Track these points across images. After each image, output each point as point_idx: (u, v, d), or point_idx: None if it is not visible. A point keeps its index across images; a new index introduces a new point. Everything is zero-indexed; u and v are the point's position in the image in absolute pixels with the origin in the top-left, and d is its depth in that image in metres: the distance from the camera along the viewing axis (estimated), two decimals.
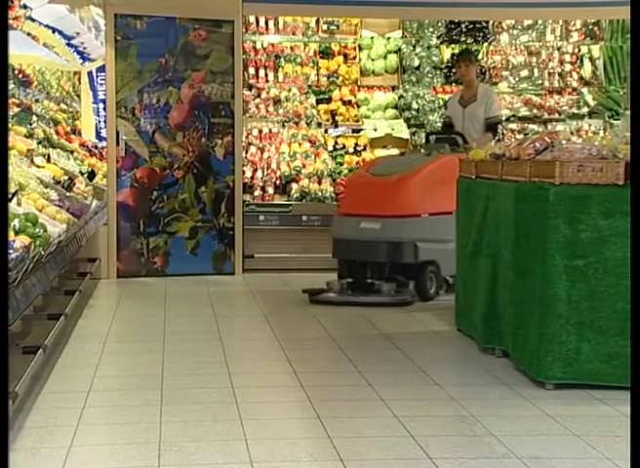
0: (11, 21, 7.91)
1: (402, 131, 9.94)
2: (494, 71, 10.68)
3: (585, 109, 10.39)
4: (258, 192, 9.08)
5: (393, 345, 5.72)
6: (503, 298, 5.19)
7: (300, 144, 9.66)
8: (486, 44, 10.69)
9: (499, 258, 5.26)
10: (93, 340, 5.81)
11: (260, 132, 9.77)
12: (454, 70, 10.52)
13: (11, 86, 9.27)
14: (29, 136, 8.33)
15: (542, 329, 4.62)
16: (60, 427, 4.00)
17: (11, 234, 4.53)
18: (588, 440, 3.84)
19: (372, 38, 10.53)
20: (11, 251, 4.18)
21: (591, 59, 10.75)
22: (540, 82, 10.71)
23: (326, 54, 10.49)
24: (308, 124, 9.93)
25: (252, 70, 10.26)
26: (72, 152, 9.34)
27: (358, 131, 9.94)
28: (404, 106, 10.26)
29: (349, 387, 4.74)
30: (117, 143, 8.42)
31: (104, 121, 9.65)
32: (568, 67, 10.78)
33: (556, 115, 10.32)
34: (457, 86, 10.51)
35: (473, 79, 8.05)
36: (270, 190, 9.13)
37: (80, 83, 12.86)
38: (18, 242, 4.44)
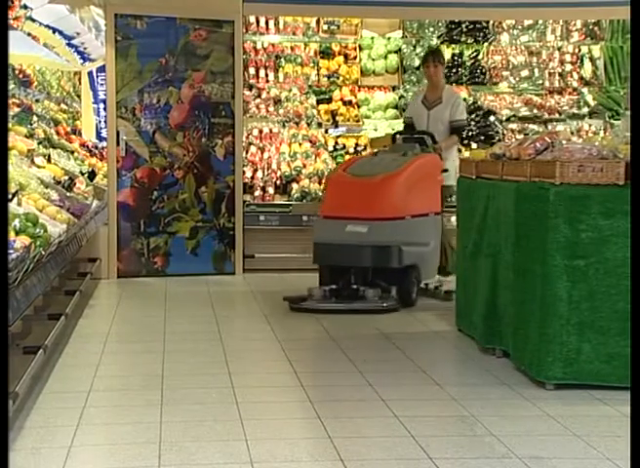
0: (11, 22, 7.91)
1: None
2: (494, 71, 10.67)
3: (586, 109, 10.39)
4: (258, 192, 9.08)
5: (393, 345, 5.72)
6: (504, 298, 5.19)
7: (300, 144, 9.66)
8: (486, 44, 10.68)
9: (499, 258, 5.26)
10: (93, 340, 5.81)
11: (261, 132, 9.77)
12: (454, 70, 10.55)
13: (11, 86, 9.28)
14: (30, 136, 8.34)
15: (543, 329, 4.62)
16: (60, 427, 4.00)
17: (11, 234, 4.53)
18: (589, 440, 3.84)
19: (372, 38, 10.53)
20: (11, 251, 4.18)
21: (592, 60, 10.75)
22: (540, 82, 10.70)
23: (326, 54, 10.49)
24: (309, 124, 9.93)
25: (252, 70, 10.25)
26: (73, 152, 9.35)
27: (358, 131, 9.93)
28: (404, 106, 10.24)
29: (350, 387, 4.74)
30: (117, 143, 8.42)
31: (105, 121, 9.66)
32: (568, 67, 10.78)
33: (556, 115, 10.31)
34: (457, 86, 10.52)
35: (440, 80, 7.78)
36: (271, 190, 9.13)
37: (80, 83, 12.87)
38: (18, 242, 4.44)
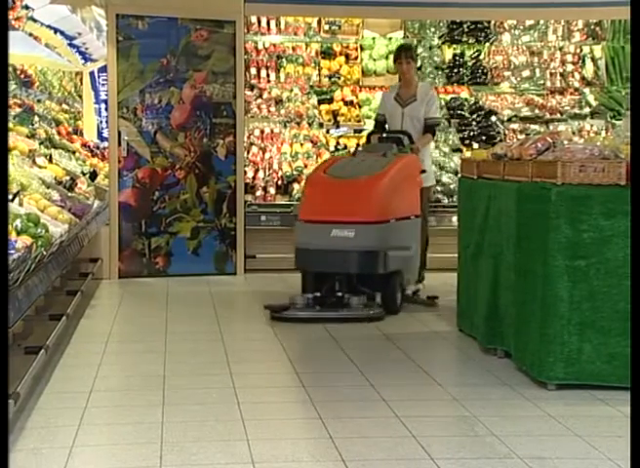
0: (13, 22, 7.92)
1: None
2: (495, 71, 10.67)
3: (587, 109, 10.39)
4: (259, 192, 9.08)
5: (394, 345, 5.72)
6: (505, 299, 5.19)
7: (301, 145, 9.66)
8: (488, 44, 10.68)
9: (500, 259, 5.26)
10: (94, 341, 5.81)
11: (262, 132, 9.77)
12: (455, 70, 10.55)
13: (13, 86, 9.29)
14: (31, 136, 8.34)
15: (544, 329, 4.62)
16: (61, 427, 4.00)
17: (13, 234, 4.53)
18: (590, 440, 3.84)
19: (373, 38, 10.53)
20: (13, 251, 4.18)
21: (593, 60, 10.75)
22: (541, 82, 10.70)
23: (327, 54, 10.49)
24: (310, 124, 9.93)
25: (253, 70, 10.25)
26: (74, 152, 9.35)
27: (360, 131, 9.92)
28: None
29: (351, 387, 4.74)
30: (119, 144, 8.42)
31: (106, 121, 9.67)
32: (570, 68, 10.77)
33: (558, 115, 10.31)
34: (459, 86, 10.52)
35: (413, 77, 7.55)
36: (272, 190, 9.13)
37: (82, 83, 12.87)
38: (19, 242, 4.44)
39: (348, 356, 5.38)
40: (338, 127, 9.97)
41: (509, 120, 10.17)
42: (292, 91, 10.17)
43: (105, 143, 9.91)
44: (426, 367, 5.13)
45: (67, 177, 7.45)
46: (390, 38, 10.53)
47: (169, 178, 8.55)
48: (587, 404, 4.41)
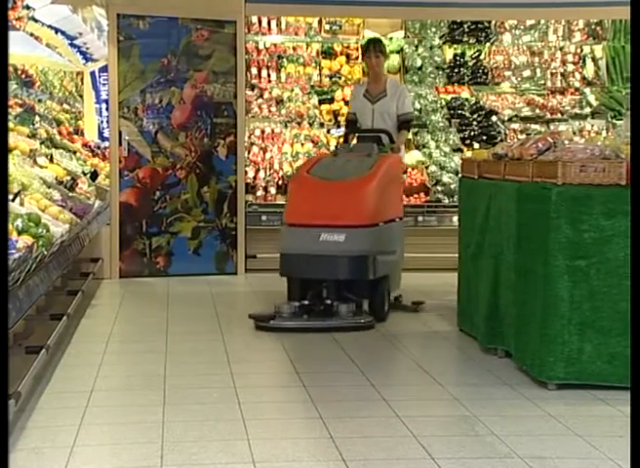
0: (14, 22, 7.92)
1: None
2: (496, 71, 10.67)
3: (588, 109, 10.38)
4: (260, 192, 9.08)
5: (395, 345, 5.72)
6: (506, 299, 5.19)
7: (302, 145, 9.66)
8: (488, 44, 10.68)
9: (501, 259, 5.26)
10: (95, 340, 5.81)
11: (263, 132, 9.77)
12: (456, 70, 10.55)
13: (14, 86, 9.29)
14: (32, 136, 8.34)
15: (545, 329, 4.62)
16: (62, 427, 4.00)
17: (14, 234, 4.54)
18: (591, 440, 3.84)
19: None
20: (14, 251, 4.18)
21: (594, 60, 10.75)
22: (542, 82, 10.70)
23: (328, 54, 10.50)
24: (311, 124, 9.93)
25: (254, 70, 10.26)
26: (75, 152, 9.36)
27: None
28: None
29: (351, 387, 4.74)
30: (120, 143, 8.42)
31: (107, 121, 9.67)
32: (570, 67, 10.78)
33: (558, 115, 10.31)
34: (459, 86, 10.52)
35: (383, 72, 7.35)
36: (273, 190, 9.13)
37: (83, 83, 12.89)
38: (20, 242, 4.44)
39: (349, 355, 5.39)
40: (338, 127, 9.96)
41: (510, 120, 10.17)
42: (293, 91, 10.17)
43: (106, 143, 9.91)
44: (427, 366, 5.13)
45: (68, 177, 7.46)
46: (391, 38, 10.52)
47: (170, 178, 8.55)
48: (588, 403, 4.41)
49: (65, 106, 12.06)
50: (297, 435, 3.97)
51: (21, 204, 5.52)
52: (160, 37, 8.48)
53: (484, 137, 9.86)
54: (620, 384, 4.51)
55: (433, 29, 10.61)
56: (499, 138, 9.68)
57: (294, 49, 10.49)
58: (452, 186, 9.03)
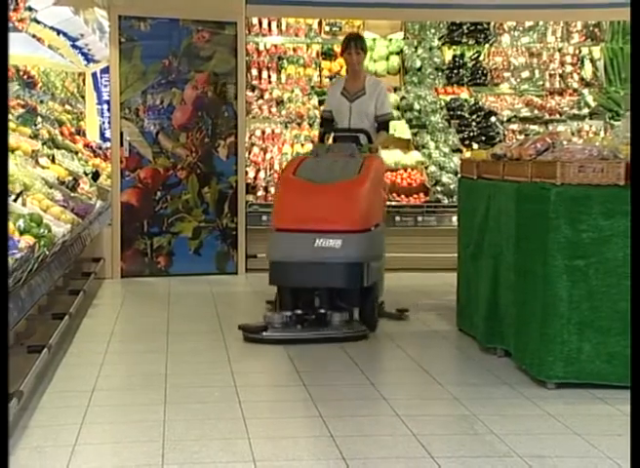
0: (17, 24, 7.92)
1: (404, 131, 9.93)
2: (495, 72, 10.67)
3: (586, 110, 10.38)
4: (260, 192, 9.08)
5: (395, 344, 5.72)
6: (505, 299, 5.19)
7: (302, 145, 9.66)
8: (487, 45, 10.68)
9: (500, 259, 5.26)
10: (97, 340, 5.81)
11: (263, 132, 9.77)
12: (455, 71, 10.55)
13: (16, 87, 9.29)
14: (34, 136, 8.34)
15: (544, 328, 4.62)
16: (64, 426, 4.00)
17: (16, 234, 4.53)
18: (590, 439, 3.83)
19: (374, 40, 10.53)
20: (16, 250, 4.18)
21: (592, 61, 10.75)
22: (540, 83, 10.71)
23: (328, 55, 10.50)
24: (311, 125, 9.92)
25: (255, 72, 10.26)
26: (77, 153, 9.35)
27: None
28: (406, 107, 10.26)
29: (351, 386, 4.74)
30: (121, 144, 8.42)
31: (109, 122, 9.67)
32: (569, 68, 10.78)
33: (557, 116, 10.31)
34: (458, 87, 10.52)
35: (362, 69, 6.83)
36: (273, 191, 9.12)
37: (84, 84, 12.89)
38: (22, 242, 4.44)
39: (348, 355, 5.38)
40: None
41: (509, 121, 10.17)
42: (293, 92, 10.17)
43: (108, 144, 9.91)
44: (426, 366, 5.13)
45: (70, 178, 7.45)
46: (391, 39, 10.54)
47: (171, 179, 8.55)
48: (587, 402, 4.40)
49: (67, 107, 12.05)
50: (297, 434, 3.97)
51: (23, 204, 5.51)
52: (161, 39, 8.47)
53: (483, 138, 9.86)
54: (619, 383, 4.50)
55: (432, 31, 10.61)
56: (497, 139, 9.68)
57: (294, 50, 10.49)
58: (451, 186, 9.03)
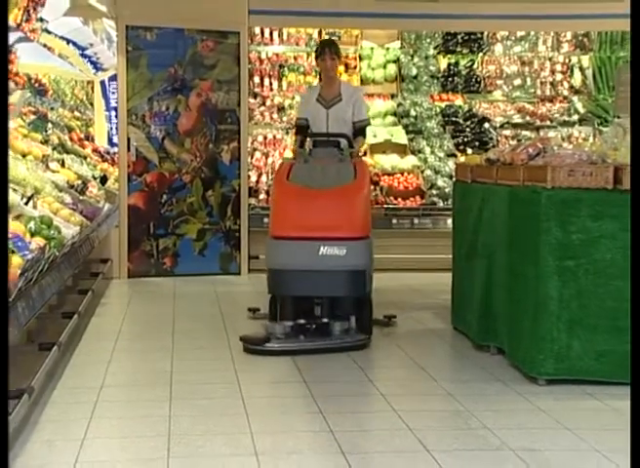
0: (28, 34, 7.91)
1: (400, 137, 9.94)
2: (488, 80, 10.67)
3: (576, 117, 10.38)
4: (262, 196, 9.07)
5: (392, 343, 5.71)
6: (498, 298, 5.19)
7: None
8: (481, 54, 10.68)
9: (493, 260, 5.26)
10: (105, 338, 5.81)
11: (265, 138, 9.77)
12: (450, 79, 10.54)
13: (27, 94, 9.28)
14: (45, 142, 8.34)
15: (535, 327, 4.62)
16: (73, 421, 4.00)
17: (27, 236, 4.53)
18: (579, 433, 3.83)
19: (372, 48, 10.53)
20: (27, 251, 4.18)
21: (581, 69, 10.75)
22: (532, 90, 10.70)
23: None
24: None
25: (257, 79, 10.26)
26: (85, 158, 9.35)
27: None
28: (402, 113, 10.26)
29: (350, 383, 4.73)
30: (128, 149, 8.42)
31: (116, 128, 9.66)
32: (559, 77, 10.78)
33: (548, 122, 10.30)
34: (453, 94, 10.51)
35: (337, 76, 6.49)
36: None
37: (93, 92, 12.87)
38: (33, 243, 4.44)
39: (347, 353, 5.37)
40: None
41: (502, 126, 10.16)
42: (293, 98, 10.16)
43: (115, 149, 9.90)
44: (422, 363, 5.13)
45: (79, 181, 7.44)
46: (388, 48, 10.53)
47: (176, 182, 8.55)
48: (576, 398, 4.40)
49: (76, 114, 12.04)
50: (297, 428, 3.96)
51: (34, 207, 5.51)
52: (167, 48, 8.47)
53: (477, 143, 9.85)
54: (608, 379, 4.51)
55: (428, 40, 10.61)
56: (491, 144, 9.67)
57: (294, 58, 10.48)
58: (446, 190, 9.02)
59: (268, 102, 10.12)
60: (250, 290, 8.05)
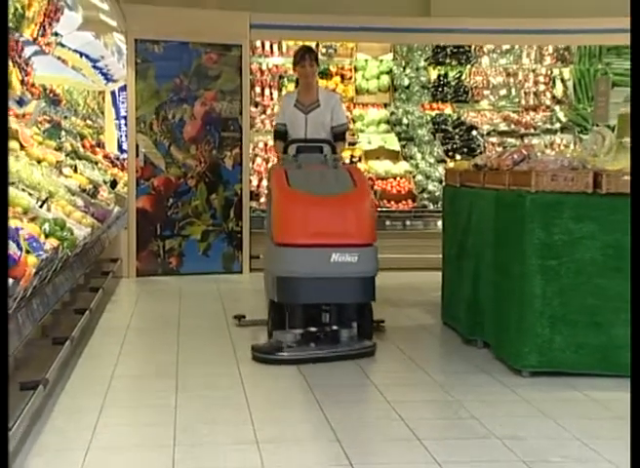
0: (44, 47, 7.90)
1: (393, 143, 9.94)
2: (476, 90, 10.68)
3: (558, 125, 10.39)
4: (263, 199, 9.06)
5: (385, 337, 5.70)
6: (485, 295, 5.19)
7: None
8: (469, 66, 10.69)
9: (481, 259, 5.26)
10: (115, 332, 5.80)
11: (266, 144, 9.77)
12: (440, 89, 10.54)
13: (43, 104, 9.27)
14: (59, 149, 8.32)
15: (520, 322, 4.62)
16: (85, 409, 3.99)
17: (41, 237, 4.52)
18: (561, 422, 3.83)
19: (366, 60, 10.53)
20: (41, 252, 4.17)
21: (562, 81, 10.76)
22: (517, 100, 10.71)
23: (325, 74, 10.48)
24: None
25: (258, 89, 10.25)
26: (97, 163, 9.34)
27: (354, 143, 9.93)
28: (395, 122, 10.26)
29: (345, 375, 4.73)
30: (137, 155, 8.42)
31: (125, 135, 9.66)
32: (542, 87, 10.79)
33: (532, 130, 10.31)
34: (443, 104, 10.52)
35: (315, 82, 6.17)
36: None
37: (104, 101, 12.86)
38: (47, 244, 4.43)
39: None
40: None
41: (488, 134, 10.17)
42: None
43: (125, 155, 9.90)
44: (414, 356, 5.12)
45: (90, 186, 7.44)
46: (381, 60, 10.53)
47: (181, 186, 8.54)
48: (558, 389, 4.40)
49: (88, 122, 12.03)
50: (296, 418, 3.96)
51: (48, 210, 5.50)
52: (173, 60, 8.47)
53: (465, 150, 9.86)
54: (587, 371, 4.52)
55: (419, 52, 10.61)
56: (478, 151, 9.68)
57: (293, 70, 10.47)
58: (436, 194, 9.03)
59: (269, 111, 10.12)
60: (251, 287, 8.04)
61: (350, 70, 10.52)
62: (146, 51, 8.40)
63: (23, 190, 5.53)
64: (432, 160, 9.73)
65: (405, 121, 10.24)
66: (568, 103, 10.64)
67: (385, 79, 10.55)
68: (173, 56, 8.48)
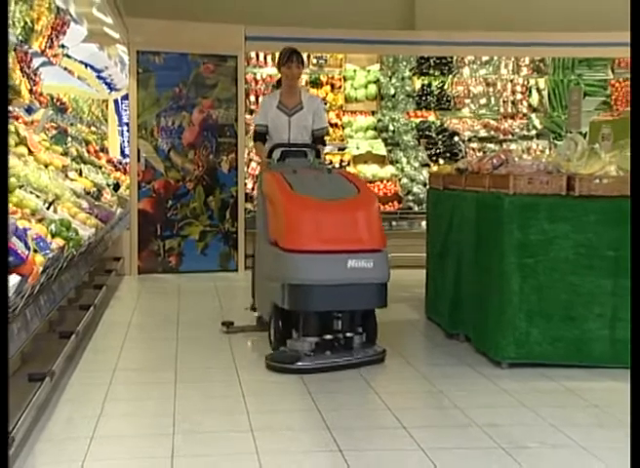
0: (51, 58, 7.87)
1: (380, 149, 9.94)
2: (457, 99, 10.68)
3: (534, 132, 10.42)
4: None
5: None
6: (466, 291, 5.19)
7: None
8: (451, 76, 10.69)
9: (462, 258, 5.26)
10: (117, 327, 5.78)
11: None
12: (424, 98, 10.55)
13: (50, 112, 9.23)
14: (65, 154, 8.29)
15: (499, 317, 4.62)
16: (90, 400, 3.98)
17: (48, 237, 4.50)
18: (537, 410, 3.84)
19: (354, 70, 10.53)
20: (48, 251, 4.15)
21: (538, 90, 10.79)
22: (496, 108, 10.73)
23: (316, 83, 10.48)
24: None
25: (252, 98, 10.22)
26: (100, 167, 9.31)
27: (343, 148, 9.92)
28: (382, 128, 10.26)
29: None
30: (138, 160, 8.40)
31: (128, 141, 9.62)
32: (519, 96, 10.81)
33: (510, 136, 10.33)
34: (427, 111, 10.52)
35: (299, 84, 5.81)
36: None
37: (107, 109, 12.82)
38: (54, 243, 4.41)
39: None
40: (324, 145, 9.92)
41: (469, 140, 10.18)
42: None
43: (127, 160, 9.87)
44: (400, 349, 5.12)
45: (95, 189, 7.41)
46: (369, 70, 10.53)
47: (180, 189, 8.53)
48: (535, 379, 4.41)
49: (93, 128, 11.99)
50: (289, 407, 3.95)
51: (55, 211, 5.48)
52: (173, 70, 8.46)
53: (448, 155, 9.87)
54: (562, 362, 4.52)
55: (404, 63, 10.61)
56: (460, 155, 9.68)
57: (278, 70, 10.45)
58: (421, 196, 9.03)
59: None
60: (246, 285, 8.01)
61: (340, 80, 10.51)
62: (148, 61, 8.38)
63: (31, 193, 5.50)
64: (417, 164, 9.73)
65: (391, 127, 10.24)
66: (543, 111, 10.67)
67: (373, 88, 10.54)
68: (172, 66, 8.46)
